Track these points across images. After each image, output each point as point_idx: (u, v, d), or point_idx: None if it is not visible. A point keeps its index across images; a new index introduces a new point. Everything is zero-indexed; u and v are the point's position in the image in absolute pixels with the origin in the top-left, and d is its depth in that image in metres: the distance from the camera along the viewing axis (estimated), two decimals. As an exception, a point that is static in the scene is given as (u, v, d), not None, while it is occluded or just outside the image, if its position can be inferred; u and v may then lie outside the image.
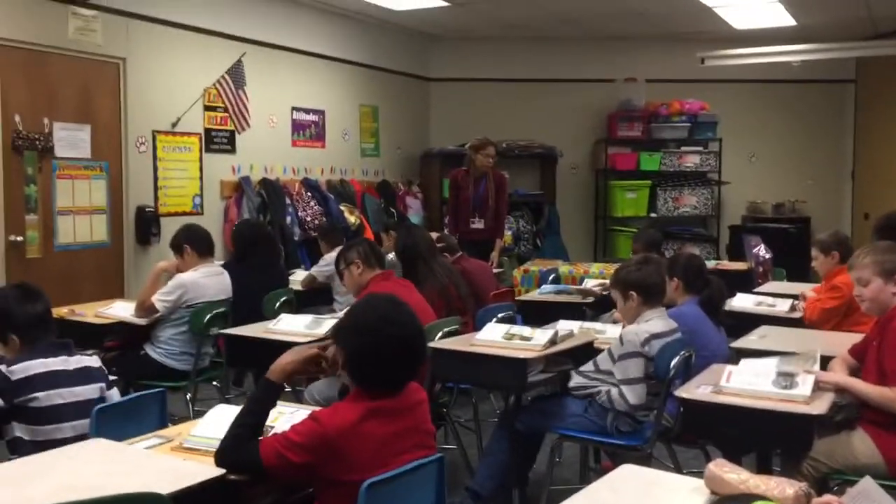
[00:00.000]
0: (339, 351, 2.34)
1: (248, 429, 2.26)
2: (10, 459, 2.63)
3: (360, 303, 2.51)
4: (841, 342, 3.38)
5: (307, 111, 7.75)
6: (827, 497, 1.85)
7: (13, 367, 2.76)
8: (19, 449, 2.76)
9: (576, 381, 3.54)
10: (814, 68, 8.52)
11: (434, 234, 5.59)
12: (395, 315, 2.34)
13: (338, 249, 5.53)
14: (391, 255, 5.24)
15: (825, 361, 3.11)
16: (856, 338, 3.29)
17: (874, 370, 2.94)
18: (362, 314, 2.37)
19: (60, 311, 4.26)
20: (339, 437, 2.16)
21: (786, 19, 7.95)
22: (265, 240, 5.43)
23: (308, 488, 2.29)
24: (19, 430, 2.77)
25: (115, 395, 3.00)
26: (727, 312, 4.27)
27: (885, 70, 8.71)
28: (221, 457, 2.21)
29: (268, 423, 2.35)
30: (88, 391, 2.87)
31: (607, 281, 4.41)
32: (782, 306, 4.73)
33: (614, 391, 3.36)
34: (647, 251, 5.48)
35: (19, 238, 5.30)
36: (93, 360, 2.99)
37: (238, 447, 2.22)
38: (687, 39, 8.72)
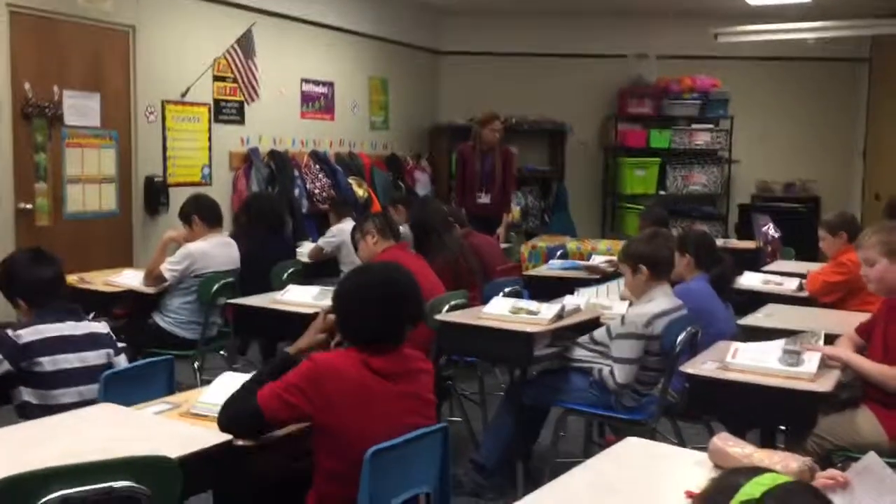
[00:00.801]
0: (334, 314, 2.39)
1: (256, 385, 2.28)
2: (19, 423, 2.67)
3: (356, 267, 2.58)
4: (847, 321, 3.37)
5: (316, 83, 7.72)
6: (831, 471, 1.86)
7: (20, 332, 2.79)
8: (28, 413, 2.78)
9: (575, 353, 3.55)
10: (828, 46, 8.43)
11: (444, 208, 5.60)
12: (385, 272, 2.41)
13: (346, 221, 5.55)
14: (402, 228, 5.25)
15: (831, 340, 3.11)
16: (863, 317, 3.29)
17: (880, 349, 2.94)
18: (354, 272, 2.46)
19: (70, 279, 4.25)
20: (331, 376, 2.18)
21: (801, -5, 7.86)
22: (272, 213, 5.40)
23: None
24: (27, 395, 2.80)
25: (122, 361, 3.02)
26: (735, 290, 4.27)
27: (900, 49, 8.61)
28: (224, 411, 2.22)
29: None
30: (95, 356, 2.90)
31: (615, 257, 4.40)
32: (790, 285, 4.73)
33: (606, 369, 3.37)
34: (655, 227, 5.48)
35: (29, 206, 5.32)
36: (101, 326, 3.02)
37: (241, 398, 2.25)
38: (700, 15, 8.63)
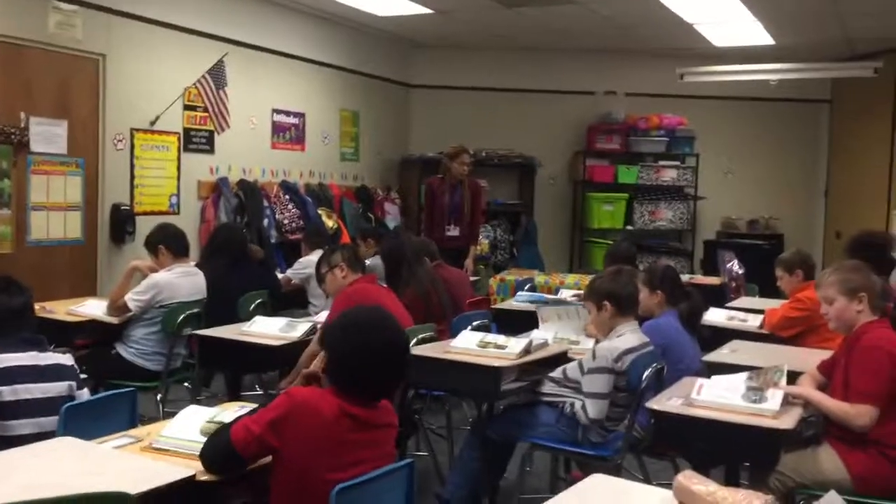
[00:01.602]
0: (324, 354, 2.34)
1: (235, 420, 2.26)
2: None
3: (351, 308, 2.50)
4: (810, 358, 3.42)
5: (287, 113, 7.73)
6: (792, 510, 1.88)
7: None
8: None
9: (547, 387, 3.55)
10: (790, 87, 8.64)
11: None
12: (385, 322, 2.37)
13: (317, 253, 5.51)
14: (369, 261, 5.24)
15: (793, 377, 3.15)
16: (825, 354, 3.34)
17: (841, 387, 2.98)
18: (353, 316, 2.38)
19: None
20: (304, 413, 2.17)
21: (764, 38, 8.05)
22: (234, 244, 5.34)
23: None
24: None
25: (85, 394, 2.98)
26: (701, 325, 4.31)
27: (859, 91, 8.85)
28: (203, 447, 2.22)
29: None
30: (57, 388, 2.85)
31: (582, 291, 4.43)
32: (754, 321, 4.78)
33: (578, 403, 3.38)
34: (619, 263, 5.52)
35: (-9, 233, 5.24)
36: (65, 358, 2.98)
37: (217, 433, 2.23)
38: (667, 55, 8.80)
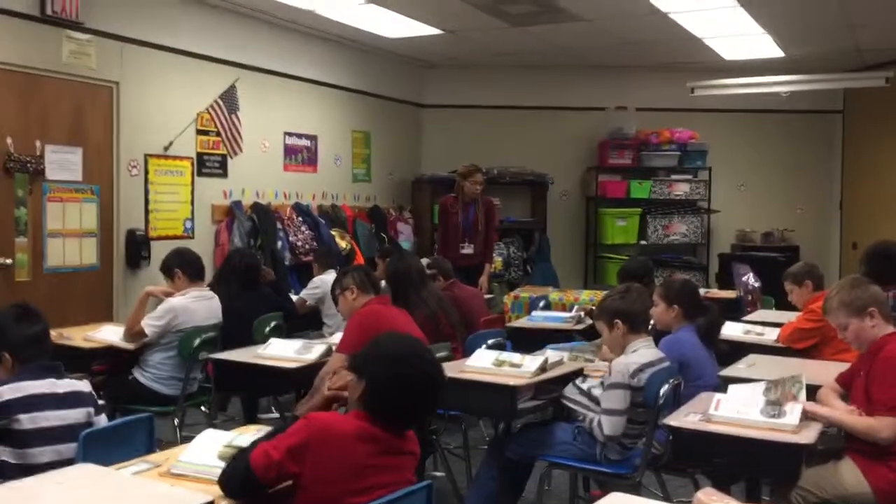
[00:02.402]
0: (358, 381, 2.31)
1: (254, 444, 2.25)
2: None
3: (386, 336, 2.47)
4: (827, 371, 3.39)
5: (299, 136, 7.78)
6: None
7: (2, 388, 2.75)
8: (5, 472, 2.74)
9: (569, 390, 3.53)
10: (802, 99, 8.62)
11: (427, 260, 5.61)
12: (422, 351, 2.36)
13: (329, 273, 5.52)
14: (383, 282, 5.25)
15: (812, 390, 3.12)
16: (842, 366, 3.31)
17: (862, 399, 2.95)
18: (388, 345, 2.36)
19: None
20: (324, 439, 2.16)
21: (774, 51, 8.05)
22: (245, 269, 5.36)
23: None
24: (4, 454, 2.75)
25: (103, 419, 2.99)
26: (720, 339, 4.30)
27: (872, 101, 8.81)
28: (222, 471, 2.22)
29: None
30: (75, 415, 2.86)
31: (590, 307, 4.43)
32: (771, 335, 4.75)
33: (595, 420, 3.36)
34: (630, 280, 5.51)
35: (8, 261, 5.28)
36: (83, 385, 2.99)
37: (237, 458, 2.23)
38: (677, 69, 8.81)
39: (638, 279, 5.03)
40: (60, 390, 2.86)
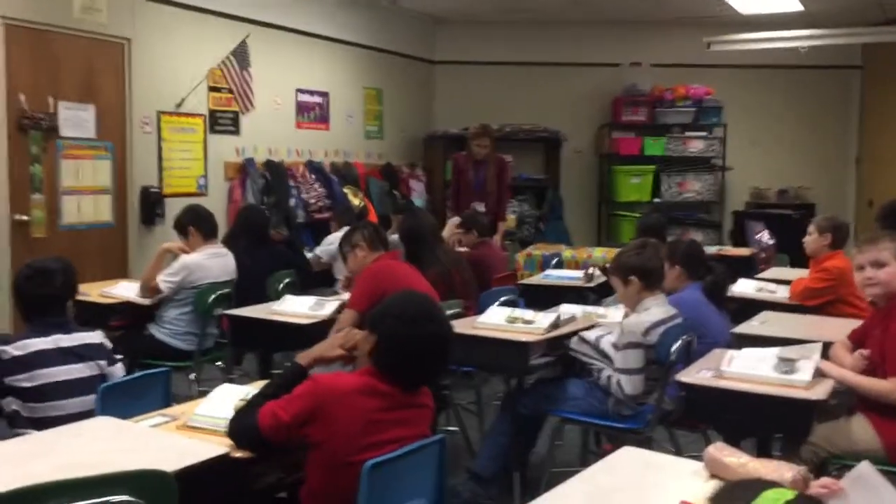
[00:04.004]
0: (369, 336, 2.33)
1: (263, 399, 2.29)
2: (13, 433, 2.68)
3: (401, 294, 2.47)
4: (841, 328, 3.38)
5: (311, 93, 7.74)
6: (825, 480, 1.87)
7: (5, 347, 2.82)
8: (16, 423, 2.81)
9: (575, 343, 3.54)
10: (820, 54, 8.48)
11: (457, 219, 5.64)
12: (435, 312, 2.36)
13: (345, 230, 5.54)
14: (394, 237, 5.26)
15: (825, 348, 3.11)
16: (856, 323, 3.30)
17: (877, 355, 2.94)
18: (404, 304, 2.36)
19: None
20: (331, 400, 2.18)
21: (793, 4, 7.89)
22: (254, 226, 5.38)
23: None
24: (16, 405, 2.83)
25: (118, 371, 3.03)
26: (728, 298, 4.29)
27: (892, 56, 8.67)
28: (231, 424, 2.26)
29: None
30: (82, 369, 2.91)
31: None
32: (783, 292, 4.74)
33: (614, 378, 3.37)
34: (647, 236, 5.50)
35: (24, 217, 5.32)
36: (94, 336, 3.02)
37: (245, 415, 2.26)
38: (693, 24, 8.67)
39: (656, 234, 5.03)
40: (65, 345, 2.91)
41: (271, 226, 6.11)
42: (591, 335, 3.53)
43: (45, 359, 2.85)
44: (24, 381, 2.81)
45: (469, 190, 6.72)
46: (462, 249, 5.46)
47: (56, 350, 2.88)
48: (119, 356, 3.12)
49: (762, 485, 1.45)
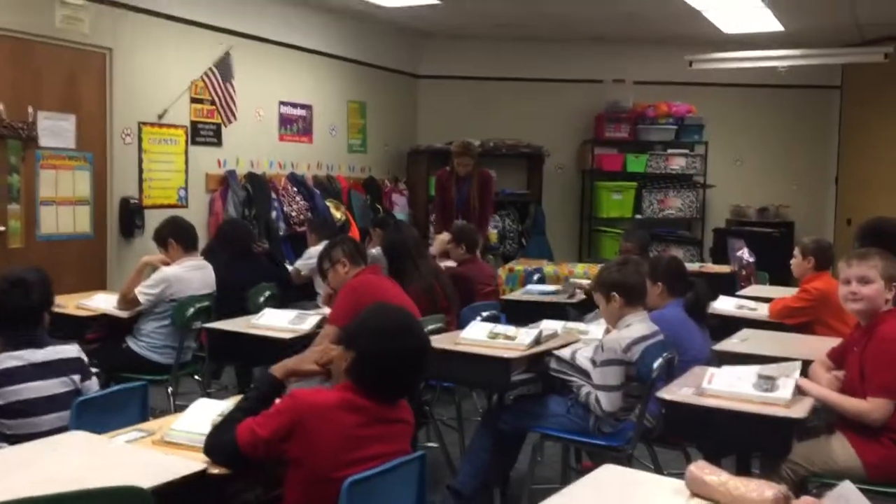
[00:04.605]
0: (345, 352, 2.31)
1: (241, 414, 2.27)
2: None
3: (376, 308, 2.45)
4: (821, 346, 3.40)
5: (295, 105, 7.73)
6: (806, 499, 1.87)
7: None
8: None
9: (553, 363, 3.54)
10: (800, 74, 8.59)
11: (459, 226, 5.63)
12: (411, 325, 2.36)
13: (323, 243, 5.51)
14: (375, 251, 5.24)
15: (805, 366, 3.12)
16: (834, 342, 3.32)
17: (856, 374, 2.95)
18: (379, 319, 2.35)
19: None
20: (310, 416, 2.16)
21: (773, 24, 7.99)
22: (236, 240, 5.36)
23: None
24: None
25: (93, 385, 2.98)
26: (709, 315, 4.30)
27: (870, 77, 8.78)
28: (207, 440, 2.23)
29: None
30: (56, 385, 2.85)
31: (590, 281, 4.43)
32: (763, 310, 4.76)
33: (592, 394, 3.37)
34: (639, 251, 5.53)
35: (1, 228, 5.26)
36: (69, 350, 2.96)
37: (222, 430, 2.23)
38: (675, 42, 8.75)
39: (642, 251, 5.05)
40: (39, 360, 2.84)
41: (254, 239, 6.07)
42: (565, 353, 3.52)
43: (18, 375, 2.78)
44: (1, 396, 2.75)
45: (452, 205, 6.72)
46: (450, 264, 5.44)
47: (29, 366, 2.82)
48: (94, 370, 3.07)
49: None
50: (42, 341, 2.90)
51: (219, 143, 6.90)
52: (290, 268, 6.02)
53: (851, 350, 3.06)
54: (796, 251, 4.76)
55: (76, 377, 2.92)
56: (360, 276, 4.03)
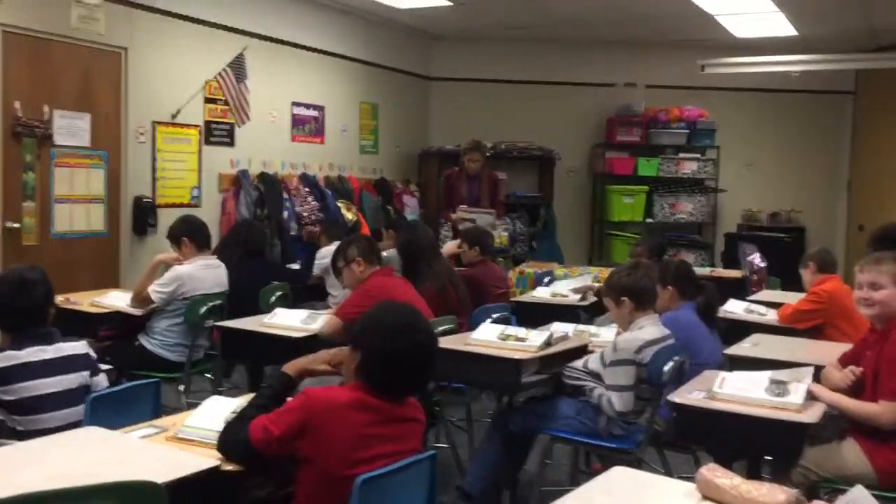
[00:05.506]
0: (353, 353, 2.32)
1: (254, 411, 2.28)
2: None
3: (381, 307, 2.46)
4: (832, 351, 3.39)
5: (307, 106, 7.75)
6: (817, 503, 1.87)
7: None
8: (4, 433, 2.77)
9: (566, 373, 3.55)
10: (813, 79, 8.56)
11: (473, 228, 5.63)
12: (419, 323, 2.36)
13: (335, 244, 5.53)
14: (386, 253, 5.25)
15: (816, 371, 3.12)
16: (845, 347, 3.31)
17: (870, 378, 2.94)
18: (386, 317, 2.36)
19: (56, 299, 4.25)
20: (323, 415, 2.17)
21: (787, 29, 7.97)
22: (248, 240, 5.39)
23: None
24: (1, 415, 2.80)
25: (102, 381, 3.00)
26: (719, 317, 4.31)
27: (884, 83, 8.74)
28: (221, 437, 2.25)
29: None
30: (66, 381, 2.87)
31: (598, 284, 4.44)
32: (772, 315, 4.75)
33: (605, 395, 3.37)
34: (650, 257, 5.53)
35: (16, 225, 5.29)
36: (78, 347, 2.98)
37: (236, 428, 2.24)
38: (688, 46, 8.74)
39: (657, 256, 5.06)
40: (49, 356, 2.86)
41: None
42: (577, 363, 3.54)
43: (27, 372, 2.80)
44: (10, 393, 2.77)
45: (463, 205, 6.73)
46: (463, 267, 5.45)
47: (39, 362, 2.83)
48: (104, 366, 3.08)
49: None
50: (49, 338, 2.92)
51: (232, 144, 6.93)
52: (295, 267, 6.05)
53: (865, 354, 3.04)
54: (800, 267, 4.80)
55: (85, 373, 2.94)
56: (373, 279, 4.04)
